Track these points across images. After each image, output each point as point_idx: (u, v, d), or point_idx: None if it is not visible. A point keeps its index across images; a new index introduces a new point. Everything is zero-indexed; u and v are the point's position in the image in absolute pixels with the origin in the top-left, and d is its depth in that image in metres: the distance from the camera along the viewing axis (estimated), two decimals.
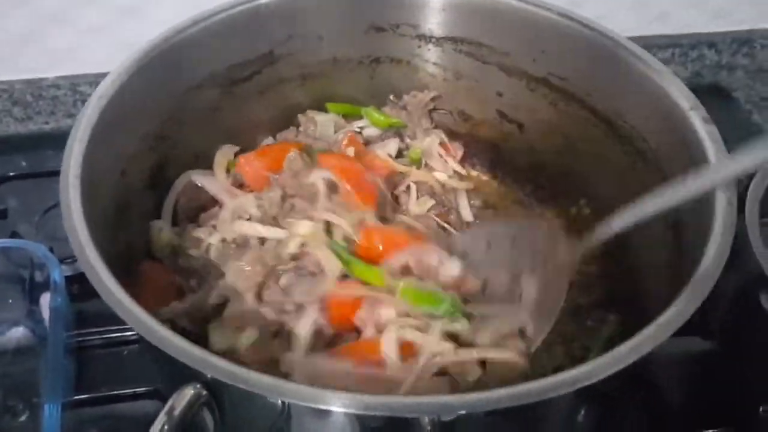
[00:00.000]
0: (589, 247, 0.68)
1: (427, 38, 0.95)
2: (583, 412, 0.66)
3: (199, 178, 0.86)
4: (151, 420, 0.49)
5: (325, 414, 0.51)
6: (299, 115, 0.96)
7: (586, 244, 0.69)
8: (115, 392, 0.80)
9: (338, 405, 0.48)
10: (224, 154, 0.89)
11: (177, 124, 0.83)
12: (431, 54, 0.96)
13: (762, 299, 0.71)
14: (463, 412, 0.47)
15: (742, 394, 0.82)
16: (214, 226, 0.80)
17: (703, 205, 0.62)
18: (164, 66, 0.79)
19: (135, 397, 0.80)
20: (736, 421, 0.80)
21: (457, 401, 0.48)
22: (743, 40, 1.36)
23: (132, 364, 0.83)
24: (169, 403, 0.50)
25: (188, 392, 0.51)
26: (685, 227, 0.67)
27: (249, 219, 0.79)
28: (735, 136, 1.14)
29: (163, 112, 0.81)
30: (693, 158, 0.68)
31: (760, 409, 0.78)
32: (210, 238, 0.78)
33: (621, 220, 0.64)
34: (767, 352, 0.76)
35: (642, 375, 0.85)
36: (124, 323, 0.54)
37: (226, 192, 0.84)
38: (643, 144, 0.78)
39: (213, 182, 0.86)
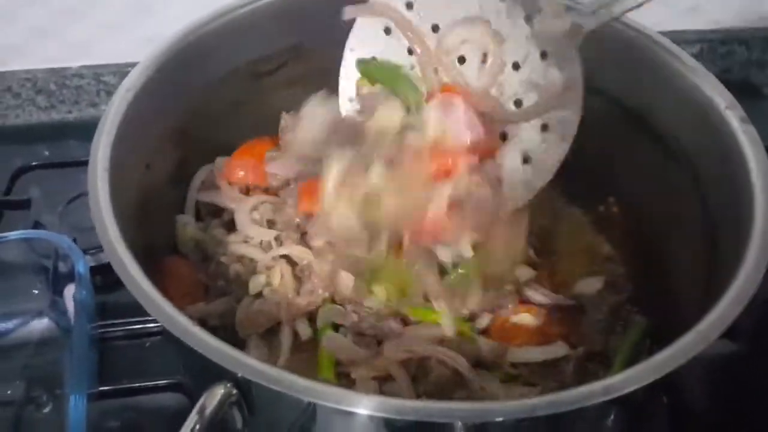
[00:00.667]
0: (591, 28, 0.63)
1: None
2: (612, 416, 0.65)
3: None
4: (173, 412, 0.50)
5: (354, 416, 0.51)
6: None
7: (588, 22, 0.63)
8: (137, 384, 0.80)
9: (369, 408, 0.47)
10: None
11: (201, 118, 0.83)
12: None
13: None
14: (500, 419, 0.46)
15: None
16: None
17: (741, 207, 0.61)
18: (189, 59, 0.78)
19: (157, 389, 0.80)
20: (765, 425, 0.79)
21: (491, 408, 0.47)
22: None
23: (154, 356, 0.84)
24: (200, 402, 0.50)
25: (219, 391, 0.50)
26: (722, 230, 0.65)
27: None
28: (766, 133, 1.15)
29: (188, 105, 0.80)
30: (728, 158, 0.66)
31: None
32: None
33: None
34: None
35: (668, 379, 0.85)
36: (146, 315, 0.54)
37: (231, 200, 0.83)
38: (675, 142, 0.76)
39: (217, 194, 0.85)
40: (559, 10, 0.61)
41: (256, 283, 0.75)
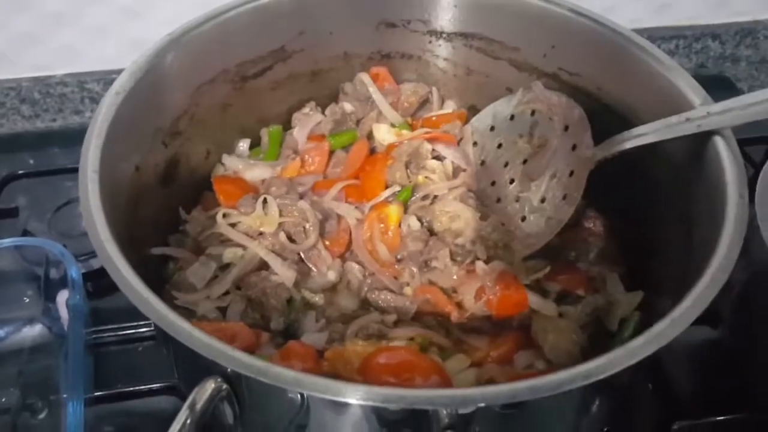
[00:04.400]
0: (605, 155, 0.77)
1: (438, 34, 0.95)
2: (597, 401, 0.67)
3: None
4: (167, 416, 0.50)
5: (344, 406, 0.52)
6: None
7: (604, 151, 0.77)
8: (132, 389, 0.80)
9: (357, 397, 0.48)
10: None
11: (189, 120, 0.84)
12: (442, 50, 0.97)
13: None
14: (482, 404, 0.47)
15: (753, 382, 0.83)
16: None
17: (714, 197, 0.63)
18: (177, 62, 0.79)
19: (151, 393, 0.80)
20: (749, 408, 0.81)
21: (475, 394, 0.48)
22: (747, 31, 1.37)
23: (147, 361, 0.84)
24: (191, 397, 0.51)
25: (209, 386, 0.51)
26: (697, 220, 0.67)
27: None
28: (744, 127, 1.17)
29: (176, 108, 0.82)
30: (703, 154, 0.68)
31: None
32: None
33: (633, 138, 0.74)
34: None
35: (653, 364, 0.87)
36: (138, 320, 0.55)
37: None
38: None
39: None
40: (590, 143, 0.79)
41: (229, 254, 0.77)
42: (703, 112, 0.68)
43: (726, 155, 0.65)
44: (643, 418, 0.85)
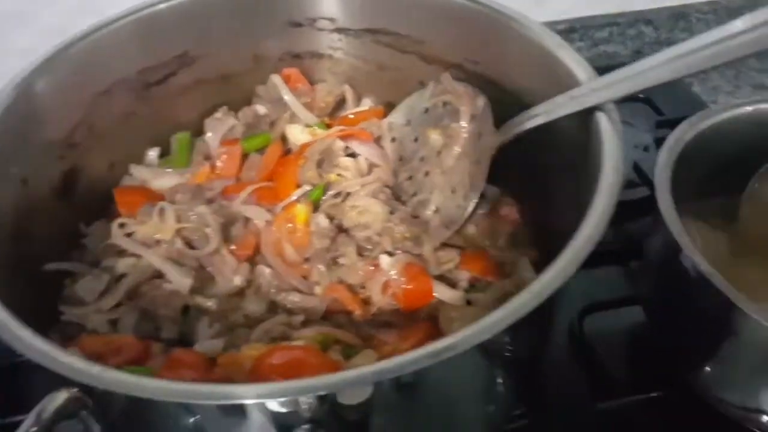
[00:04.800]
0: (502, 140, 0.77)
1: (345, 31, 0.94)
2: (501, 380, 0.66)
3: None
4: None
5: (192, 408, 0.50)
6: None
7: (501, 136, 0.77)
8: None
9: (193, 398, 0.47)
10: None
11: (87, 130, 0.83)
12: (352, 47, 0.96)
13: (681, 261, 0.70)
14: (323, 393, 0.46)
15: (673, 358, 0.82)
16: None
17: (596, 173, 0.62)
18: (69, 72, 0.79)
19: None
20: (669, 385, 0.81)
21: (308, 384, 0.47)
22: (679, 15, 1.36)
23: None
24: (39, 406, 0.49)
25: (61, 396, 0.50)
26: (585, 199, 0.66)
27: None
28: (679, 108, 1.17)
29: (70, 118, 0.80)
30: (589, 129, 0.67)
31: (686, 371, 0.78)
32: None
33: (526, 121, 0.74)
34: (690, 315, 0.75)
35: (584, 346, 0.88)
36: None
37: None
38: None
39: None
40: (492, 130, 0.79)
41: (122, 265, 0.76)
42: (586, 89, 0.67)
43: (606, 129, 0.64)
44: (569, 401, 0.84)
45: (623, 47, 1.38)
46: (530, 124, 0.73)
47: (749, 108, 0.81)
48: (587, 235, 0.55)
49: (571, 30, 1.35)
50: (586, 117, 0.68)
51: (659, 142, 1.12)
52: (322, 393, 0.47)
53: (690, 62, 0.59)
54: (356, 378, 0.47)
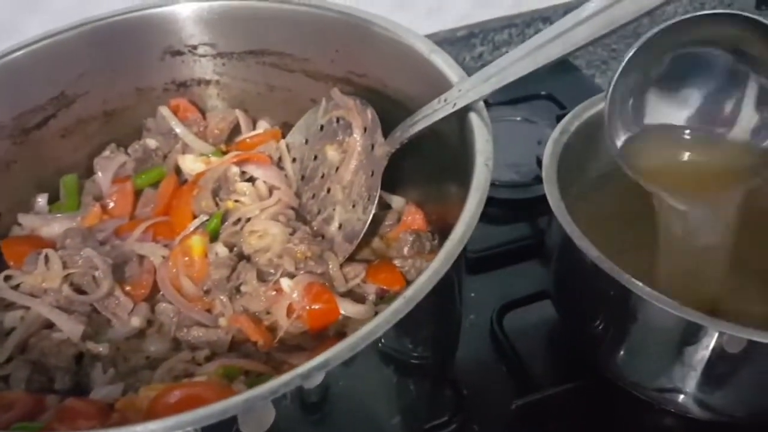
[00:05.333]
0: (390, 149, 0.77)
1: (228, 55, 0.93)
2: (404, 387, 0.65)
3: None
4: None
5: None
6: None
7: (390, 145, 0.77)
8: None
9: None
10: None
11: None
12: (237, 70, 0.95)
13: (574, 252, 0.71)
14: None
15: (581, 348, 0.83)
16: None
17: (470, 171, 0.62)
18: None
19: None
20: (583, 375, 0.81)
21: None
22: (575, 9, 1.39)
23: None
24: None
25: None
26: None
27: None
28: (579, 100, 1.19)
29: None
30: (463, 129, 0.67)
31: (596, 359, 0.79)
32: None
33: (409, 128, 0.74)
34: (592, 304, 0.76)
35: (504, 344, 0.88)
36: None
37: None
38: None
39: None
40: (382, 141, 0.79)
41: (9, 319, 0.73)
42: (456, 91, 0.67)
43: (477, 126, 0.65)
44: (493, 402, 0.84)
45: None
46: (413, 130, 0.73)
47: None
48: (460, 234, 0.54)
49: (471, 35, 1.37)
50: (460, 118, 0.68)
51: None
52: (190, 429, 0.45)
53: (548, 51, 0.59)
54: (225, 408, 0.45)
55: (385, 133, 0.79)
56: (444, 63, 0.73)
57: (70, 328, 0.71)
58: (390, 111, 0.83)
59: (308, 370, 0.46)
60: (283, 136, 0.96)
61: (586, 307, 0.76)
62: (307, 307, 0.75)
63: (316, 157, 0.90)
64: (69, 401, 0.64)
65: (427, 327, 0.63)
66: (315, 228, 0.86)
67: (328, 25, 0.85)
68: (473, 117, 0.65)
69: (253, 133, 0.97)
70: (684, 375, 0.69)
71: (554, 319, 0.90)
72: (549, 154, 0.77)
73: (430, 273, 0.52)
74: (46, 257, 0.75)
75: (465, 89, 0.66)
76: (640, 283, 0.65)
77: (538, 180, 1.08)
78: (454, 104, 0.67)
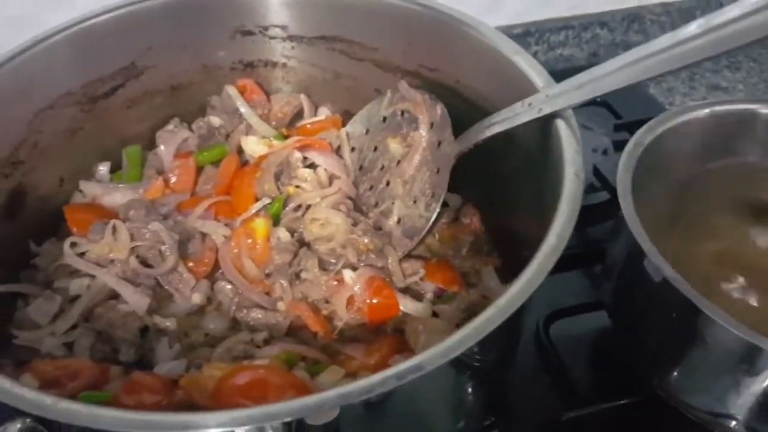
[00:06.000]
0: (462, 149, 0.77)
1: (299, 39, 0.93)
2: (469, 391, 0.65)
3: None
4: None
5: None
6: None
7: (461, 145, 0.77)
8: None
9: (151, 428, 0.45)
10: None
11: (32, 148, 0.79)
12: (306, 55, 0.94)
13: (646, 266, 0.70)
14: (289, 419, 0.44)
15: (638, 364, 0.82)
16: None
17: (556, 179, 0.61)
18: (7, 89, 0.75)
19: None
20: (635, 391, 0.80)
21: (279, 409, 0.45)
22: (633, 17, 1.38)
23: None
24: None
25: (14, 426, 0.47)
26: (547, 206, 0.65)
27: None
28: (636, 110, 1.18)
29: (11, 137, 0.77)
30: (547, 136, 0.67)
31: (653, 376, 0.78)
32: None
33: (485, 129, 0.73)
34: (654, 317, 0.75)
35: (550, 353, 0.87)
36: None
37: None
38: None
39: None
40: (451, 139, 0.79)
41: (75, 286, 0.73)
42: (543, 96, 0.66)
43: (565, 135, 0.64)
44: (537, 409, 0.83)
45: (579, 50, 1.39)
46: (489, 132, 0.72)
47: (706, 110, 0.82)
48: (552, 245, 0.54)
49: (526, 34, 1.36)
50: (544, 124, 0.67)
51: (618, 145, 1.14)
52: (287, 419, 0.45)
53: (646, 67, 0.58)
54: (321, 402, 0.45)
55: (454, 130, 0.79)
56: (528, 65, 0.72)
57: (136, 300, 0.72)
58: (460, 108, 0.82)
59: (403, 371, 0.46)
60: (343, 124, 0.95)
61: (650, 323, 0.75)
62: (368, 301, 0.76)
63: (376, 149, 0.90)
64: (136, 374, 0.65)
65: (503, 332, 0.62)
66: (372, 220, 0.85)
67: (404, 17, 0.84)
68: (560, 125, 0.65)
69: (314, 119, 0.97)
70: (741, 402, 0.69)
71: (601, 330, 0.90)
72: (624, 165, 0.76)
73: (524, 283, 0.51)
74: (114, 227, 0.76)
75: (552, 95, 0.66)
76: (712, 304, 0.64)
77: (592, 188, 1.08)
78: (540, 109, 0.66)
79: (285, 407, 0.45)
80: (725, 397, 0.70)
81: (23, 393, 0.47)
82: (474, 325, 0.49)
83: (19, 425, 0.48)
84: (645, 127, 0.81)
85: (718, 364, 0.69)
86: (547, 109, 0.65)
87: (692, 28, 0.56)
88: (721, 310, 0.64)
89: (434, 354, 0.47)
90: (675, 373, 0.74)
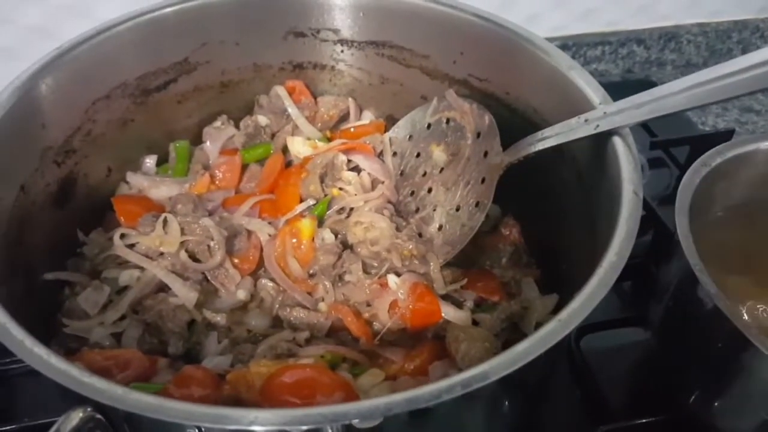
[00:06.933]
0: (511, 160, 0.77)
1: (349, 43, 0.93)
2: (509, 404, 0.65)
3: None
4: None
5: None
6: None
7: (511, 156, 0.77)
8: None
9: (219, 423, 0.45)
10: None
11: (85, 137, 0.80)
12: (355, 59, 0.95)
13: (698, 291, 0.70)
14: (356, 420, 0.45)
15: (677, 384, 0.82)
16: None
17: (612, 196, 0.62)
18: (66, 78, 0.76)
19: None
20: (670, 410, 0.80)
21: (348, 409, 0.46)
22: (670, 36, 1.39)
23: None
24: (55, 426, 0.47)
25: (76, 415, 0.48)
26: (598, 221, 0.66)
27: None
28: (667, 128, 1.18)
29: (67, 125, 0.78)
30: (602, 153, 0.67)
31: (692, 397, 0.78)
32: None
33: (537, 142, 0.73)
34: (701, 343, 0.75)
35: (581, 367, 0.87)
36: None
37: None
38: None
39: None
40: (499, 150, 0.79)
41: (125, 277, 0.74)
42: (600, 112, 0.67)
43: (623, 153, 0.65)
44: (568, 423, 0.84)
45: (614, 66, 1.39)
46: (542, 145, 0.73)
47: None
48: (612, 262, 0.54)
49: (563, 47, 1.36)
50: (597, 140, 0.68)
51: (653, 162, 1.15)
52: (346, 422, 0.45)
53: (710, 90, 0.59)
54: (390, 405, 0.46)
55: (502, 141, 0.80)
56: (584, 81, 0.73)
57: (185, 294, 0.72)
58: (508, 120, 0.83)
59: (468, 378, 0.47)
60: (386, 129, 0.96)
61: (697, 348, 0.75)
62: (411, 306, 0.76)
63: (418, 155, 0.90)
64: (187, 368, 0.66)
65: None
66: (414, 226, 0.86)
67: (457, 26, 0.85)
68: (618, 142, 0.65)
69: (358, 123, 0.98)
70: None
71: (634, 345, 0.90)
72: (686, 183, 0.75)
73: (585, 298, 0.52)
74: (165, 221, 0.76)
75: (611, 112, 0.66)
76: (763, 338, 0.64)
77: None
78: (597, 126, 0.67)
79: (352, 408, 0.46)
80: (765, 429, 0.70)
81: (93, 382, 0.48)
82: (538, 336, 0.49)
83: (81, 414, 0.49)
84: (714, 149, 0.79)
85: (762, 396, 0.69)
86: (604, 126, 0.66)
87: (758, 55, 0.57)
88: None
89: (499, 364, 0.48)
90: (717, 400, 0.74)
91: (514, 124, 0.82)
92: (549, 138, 0.72)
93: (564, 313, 0.51)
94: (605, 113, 0.67)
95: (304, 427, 0.48)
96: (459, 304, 0.80)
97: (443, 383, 0.47)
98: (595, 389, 0.86)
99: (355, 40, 0.92)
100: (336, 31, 0.92)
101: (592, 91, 0.72)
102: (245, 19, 0.88)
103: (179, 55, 0.87)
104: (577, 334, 0.92)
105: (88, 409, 0.49)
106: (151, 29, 0.82)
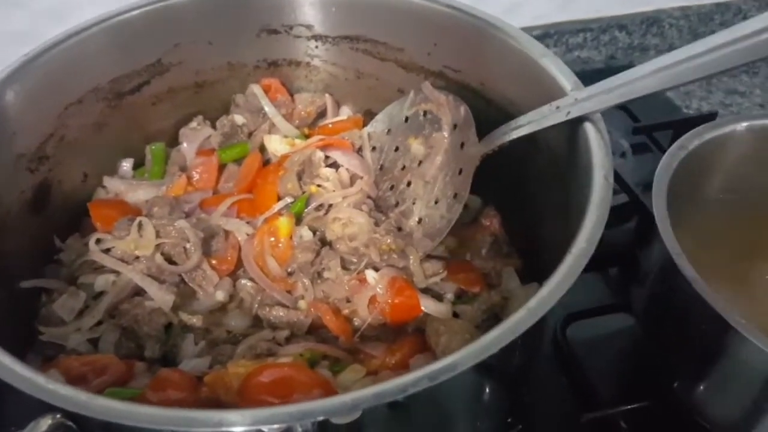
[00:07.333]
0: (486, 150, 0.77)
1: (323, 38, 0.93)
2: (489, 393, 0.65)
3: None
4: None
5: None
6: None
7: (486, 146, 0.77)
8: None
9: (188, 426, 0.45)
10: None
11: (58, 142, 0.80)
12: (330, 54, 0.94)
13: (677, 276, 0.69)
14: (321, 417, 0.45)
15: (661, 370, 0.82)
16: None
17: (584, 183, 0.62)
18: (36, 84, 0.76)
19: None
20: (655, 395, 0.80)
21: (315, 407, 0.45)
22: (652, 20, 1.38)
23: None
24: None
25: (45, 422, 0.48)
26: (572, 208, 0.65)
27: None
28: (650, 113, 1.17)
29: (41, 130, 0.78)
30: (575, 139, 0.67)
31: (676, 383, 0.78)
32: None
33: (511, 131, 0.73)
34: (683, 328, 0.75)
35: (567, 354, 0.87)
36: None
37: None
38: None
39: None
40: (475, 140, 0.79)
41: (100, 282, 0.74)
42: (572, 99, 0.66)
43: (594, 139, 0.64)
44: (554, 411, 0.84)
45: (597, 52, 1.39)
46: (515, 134, 0.72)
47: (758, 122, 0.80)
48: (582, 248, 0.54)
49: (545, 35, 1.36)
50: (570, 127, 0.67)
51: (636, 148, 1.14)
52: (320, 418, 0.45)
53: (677, 72, 0.59)
54: (357, 401, 0.45)
55: (478, 131, 0.79)
56: (556, 68, 0.72)
57: (161, 297, 0.72)
58: (484, 110, 0.83)
59: (435, 371, 0.46)
60: (365, 124, 0.95)
61: (679, 333, 0.75)
62: (390, 301, 0.76)
63: (397, 149, 0.90)
64: (163, 371, 0.65)
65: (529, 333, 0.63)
66: (393, 220, 0.85)
67: (430, 18, 0.84)
68: (589, 128, 0.65)
69: (336, 118, 0.97)
70: (763, 420, 0.69)
71: (619, 332, 0.90)
72: (663, 167, 0.75)
73: (554, 286, 0.52)
74: (140, 224, 0.76)
75: (582, 98, 0.66)
76: (745, 322, 0.63)
77: None
78: (568, 112, 0.66)
79: (319, 405, 0.45)
80: (751, 415, 0.70)
81: (57, 389, 0.47)
82: (506, 326, 0.49)
83: (49, 421, 0.49)
84: (691, 132, 0.79)
85: (748, 382, 0.69)
86: (575, 113, 0.66)
87: (724, 35, 0.56)
88: (755, 329, 0.63)
89: (467, 354, 0.47)
90: (700, 385, 0.73)
91: (489, 114, 0.81)
92: (522, 127, 0.72)
93: (533, 301, 0.51)
94: (576, 99, 0.66)
95: (276, 426, 0.48)
96: (439, 297, 0.79)
97: (409, 376, 0.46)
98: (581, 376, 0.86)
99: (329, 35, 0.92)
100: (309, 27, 0.91)
101: (564, 78, 0.71)
102: (217, 18, 0.87)
103: (152, 56, 0.86)
104: (564, 321, 0.91)
105: (58, 416, 0.49)
106: (121, 31, 0.81)
